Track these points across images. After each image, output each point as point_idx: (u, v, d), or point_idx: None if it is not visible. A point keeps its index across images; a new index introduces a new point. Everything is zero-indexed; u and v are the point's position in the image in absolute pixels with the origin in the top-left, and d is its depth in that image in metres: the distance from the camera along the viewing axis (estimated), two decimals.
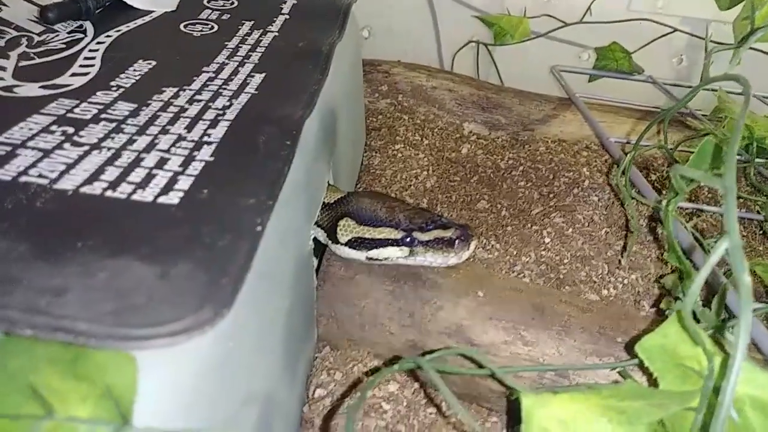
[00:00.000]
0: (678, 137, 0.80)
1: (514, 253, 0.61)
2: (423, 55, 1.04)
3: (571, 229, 0.64)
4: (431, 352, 0.40)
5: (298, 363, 0.47)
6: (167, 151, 0.38)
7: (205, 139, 0.40)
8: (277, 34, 0.59)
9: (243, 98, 0.46)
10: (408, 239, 0.50)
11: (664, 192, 0.72)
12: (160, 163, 0.36)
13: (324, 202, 0.53)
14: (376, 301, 0.52)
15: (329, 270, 0.54)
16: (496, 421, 0.49)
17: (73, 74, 0.47)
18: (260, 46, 0.55)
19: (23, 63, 0.47)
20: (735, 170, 0.28)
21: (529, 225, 0.66)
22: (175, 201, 0.33)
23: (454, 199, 0.73)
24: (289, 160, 0.39)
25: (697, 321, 0.42)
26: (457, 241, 0.50)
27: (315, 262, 0.51)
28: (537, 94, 0.89)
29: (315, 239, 0.51)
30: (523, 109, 0.86)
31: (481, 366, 0.39)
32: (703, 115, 0.83)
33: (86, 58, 0.50)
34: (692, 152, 0.76)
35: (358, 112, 0.75)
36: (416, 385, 0.52)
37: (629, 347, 0.46)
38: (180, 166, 0.36)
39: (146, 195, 0.33)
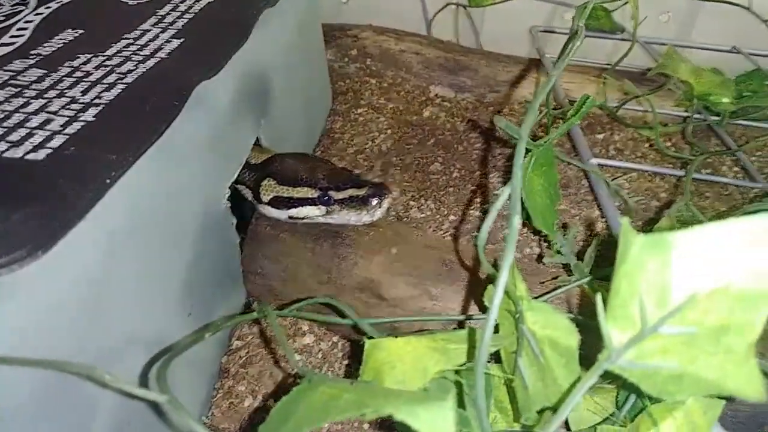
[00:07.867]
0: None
1: (445, 212, 0.62)
2: (408, 18, 1.04)
3: None
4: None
5: (211, 315, 0.50)
6: (55, 113, 0.41)
7: (96, 101, 0.42)
8: (212, 0, 0.61)
9: (150, 62, 0.48)
10: (324, 198, 0.52)
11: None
12: (44, 124, 0.39)
13: (250, 163, 0.55)
14: (298, 258, 0.54)
15: (257, 228, 0.57)
16: None
17: (1, 45, 0.50)
18: (189, 13, 0.57)
19: None
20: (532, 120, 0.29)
21: (469, 186, 0.66)
22: (41, 157, 0.36)
23: (408, 162, 0.74)
24: (169, 119, 0.41)
25: (571, 274, 0.43)
26: (370, 199, 0.51)
27: (234, 219, 0.53)
28: (506, 55, 0.88)
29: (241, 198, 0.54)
30: (489, 70, 0.85)
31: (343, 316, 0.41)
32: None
33: (19, 29, 0.53)
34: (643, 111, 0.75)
35: (312, 76, 0.76)
36: (334, 338, 0.54)
37: None
38: (61, 126, 0.39)
39: (18, 152, 0.36)
